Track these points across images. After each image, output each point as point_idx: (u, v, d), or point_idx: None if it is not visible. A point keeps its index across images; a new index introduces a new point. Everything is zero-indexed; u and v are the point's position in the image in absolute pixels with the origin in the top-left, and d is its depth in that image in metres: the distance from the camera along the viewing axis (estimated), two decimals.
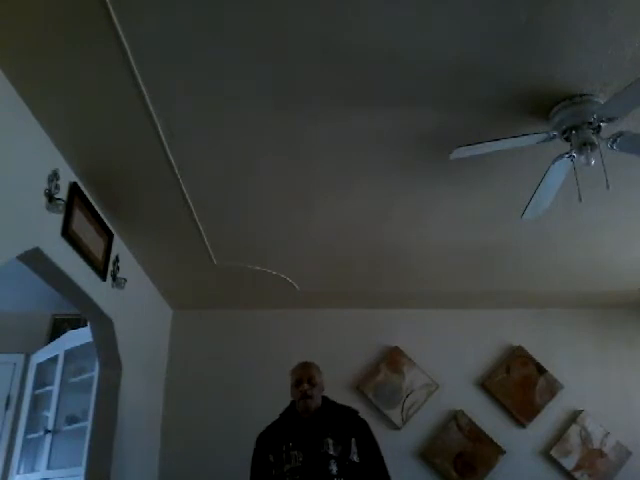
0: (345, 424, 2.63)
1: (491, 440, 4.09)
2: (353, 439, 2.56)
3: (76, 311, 3.26)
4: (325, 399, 2.75)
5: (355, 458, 2.52)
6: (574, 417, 4.18)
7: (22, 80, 2.04)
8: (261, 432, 2.76)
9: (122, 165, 2.61)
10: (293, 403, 2.77)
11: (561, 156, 2.27)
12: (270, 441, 2.67)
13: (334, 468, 2.45)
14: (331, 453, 2.49)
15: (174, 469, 3.98)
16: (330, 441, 2.52)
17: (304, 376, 2.70)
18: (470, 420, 4.14)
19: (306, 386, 2.66)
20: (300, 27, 1.85)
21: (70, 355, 3.93)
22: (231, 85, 2.10)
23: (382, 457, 2.63)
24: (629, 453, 4.08)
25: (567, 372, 4.29)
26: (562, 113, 2.21)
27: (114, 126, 2.33)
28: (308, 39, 1.90)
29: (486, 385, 4.26)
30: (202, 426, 4.10)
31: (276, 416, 2.80)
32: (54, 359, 4.01)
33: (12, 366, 4.34)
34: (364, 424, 2.70)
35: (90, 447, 3.22)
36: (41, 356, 4.18)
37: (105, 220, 2.98)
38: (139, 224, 3.17)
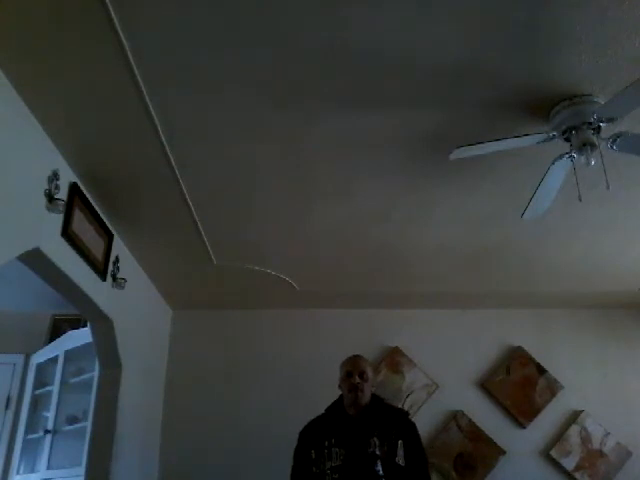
0: (393, 425, 2.53)
1: (491, 440, 4.09)
2: (400, 441, 2.46)
3: (76, 311, 3.25)
4: (375, 397, 2.65)
5: (401, 462, 2.42)
6: (574, 417, 4.18)
7: (22, 80, 2.04)
8: (304, 426, 2.68)
9: (122, 165, 2.61)
10: (341, 397, 2.68)
11: (561, 156, 2.27)
12: (313, 436, 2.59)
13: (380, 469, 2.38)
14: (378, 453, 2.41)
15: (174, 469, 3.98)
16: (376, 441, 2.43)
17: (355, 369, 2.61)
18: (470, 420, 4.14)
19: (357, 379, 2.57)
20: (300, 27, 1.85)
21: (70, 355, 3.92)
22: (231, 85, 2.10)
23: (427, 464, 2.55)
24: (629, 453, 4.08)
25: (567, 372, 4.28)
26: (562, 113, 2.21)
27: (114, 126, 2.33)
28: (308, 39, 1.90)
29: (486, 385, 4.26)
30: (202, 426, 4.10)
31: (320, 411, 2.72)
32: (54, 359, 4.01)
33: (12, 366, 4.33)
34: (413, 427, 2.59)
35: (90, 447, 3.22)
36: (41, 356, 4.18)
37: (105, 220, 2.98)
38: (139, 224, 3.17)
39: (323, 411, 2.72)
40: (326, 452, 2.47)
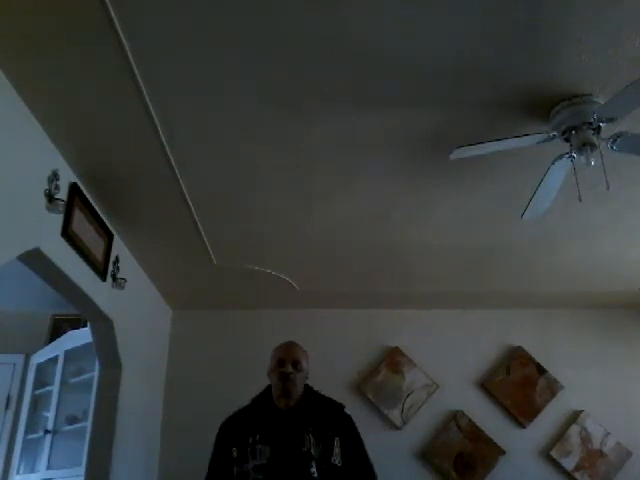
0: (328, 420, 2.23)
1: (491, 440, 4.09)
2: (337, 439, 2.17)
3: (76, 311, 3.25)
4: (308, 388, 2.36)
5: (337, 461, 2.13)
6: (574, 417, 4.18)
7: (22, 80, 2.04)
8: (225, 419, 2.39)
9: (122, 165, 2.61)
10: (268, 388, 2.39)
11: (561, 156, 2.27)
12: (235, 432, 2.28)
13: (315, 471, 2.09)
14: (312, 453, 2.11)
15: (174, 469, 3.97)
16: (311, 439, 2.14)
17: (289, 357, 2.30)
18: (470, 420, 4.14)
19: (290, 368, 2.26)
20: (300, 27, 1.85)
21: (70, 355, 3.92)
22: (231, 85, 2.10)
23: (368, 457, 2.26)
24: (629, 453, 4.08)
25: (567, 372, 4.28)
26: (562, 113, 2.21)
27: (114, 126, 2.33)
28: (308, 39, 1.90)
29: (486, 385, 4.26)
30: (202, 426, 4.08)
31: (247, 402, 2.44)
32: (54, 359, 4.01)
33: (12, 366, 4.33)
34: (349, 421, 2.30)
35: (90, 447, 3.22)
36: (41, 356, 4.19)
37: (105, 220, 2.98)
38: (139, 224, 3.17)
39: (249, 401, 2.43)
40: (249, 450, 2.16)
